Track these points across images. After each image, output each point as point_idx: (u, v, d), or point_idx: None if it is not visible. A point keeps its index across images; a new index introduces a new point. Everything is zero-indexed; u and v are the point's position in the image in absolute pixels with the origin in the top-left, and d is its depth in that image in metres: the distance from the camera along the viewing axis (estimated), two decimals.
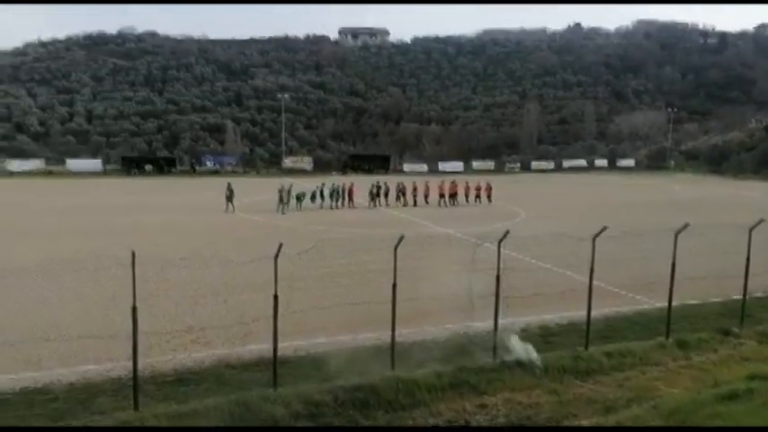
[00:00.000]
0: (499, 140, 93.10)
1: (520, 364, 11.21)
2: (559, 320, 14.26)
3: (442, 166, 78.13)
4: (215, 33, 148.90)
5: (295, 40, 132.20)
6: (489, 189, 41.45)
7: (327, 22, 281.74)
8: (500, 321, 11.68)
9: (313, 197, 37.20)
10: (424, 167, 77.58)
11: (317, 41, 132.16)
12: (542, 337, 13.06)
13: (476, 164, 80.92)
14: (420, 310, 13.30)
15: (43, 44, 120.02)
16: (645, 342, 12.87)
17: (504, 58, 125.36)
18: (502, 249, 11.71)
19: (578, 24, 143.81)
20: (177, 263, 15.90)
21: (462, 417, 9.57)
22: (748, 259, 14.18)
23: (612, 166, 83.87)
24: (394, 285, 10.94)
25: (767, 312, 15.58)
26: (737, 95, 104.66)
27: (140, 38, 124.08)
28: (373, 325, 12.47)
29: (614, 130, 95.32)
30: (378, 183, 40.15)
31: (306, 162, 79.47)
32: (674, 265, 13.08)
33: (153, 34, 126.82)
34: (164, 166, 74.03)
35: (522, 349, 11.41)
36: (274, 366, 10.01)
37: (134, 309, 9.06)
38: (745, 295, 14.57)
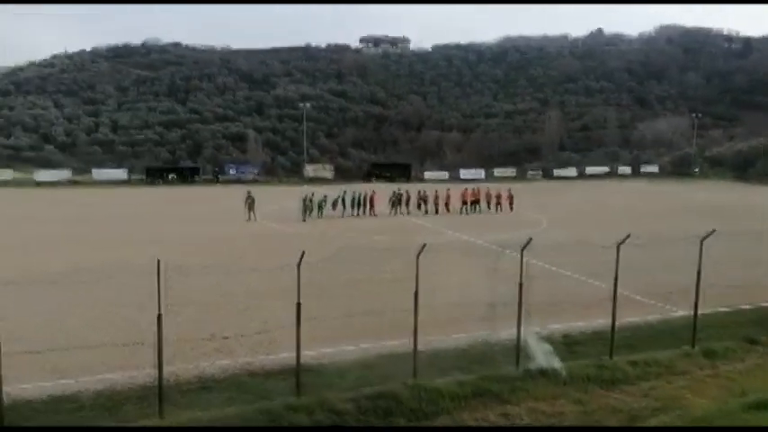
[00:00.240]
0: (520, 148, 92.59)
1: (543, 372, 11.10)
2: (583, 329, 14.10)
3: (463, 173, 77.88)
4: (237, 43, 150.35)
5: (316, 50, 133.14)
6: (511, 197, 41.23)
7: (348, 32, 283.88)
8: (523, 330, 11.58)
9: (334, 205, 37.36)
10: (445, 175, 77.40)
11: (338, 50, 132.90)
12: (566, 345, 12.91)
13: (497, 171, 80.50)
14: (442, 318, 13.26)
15: (69, 56, 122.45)
16: (670, 351, 12.67)
17: (525, 65, 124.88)
18: (524, 257, 11.63)
19: (600, 30, 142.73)
20: (201, 271, 16.08)
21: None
22: None
23: (636, 172, 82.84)
24: (416, 293, 10.92)
25: None
26: (763, 100, 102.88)
27: (164, 49, 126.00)
28: (395, 333, 12.44)
29: (638, 137, 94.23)
30: (399, 190, 40.21)
31: (327, 170, 79.75)
32: (699, 272, 12.88)
33: (176, 45, 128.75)
34: (187, 175, 74.85)
35: (545, 358, 11.30)
36: (297, 374, 10.03)
37: (159, 317, 9.16)
38: None
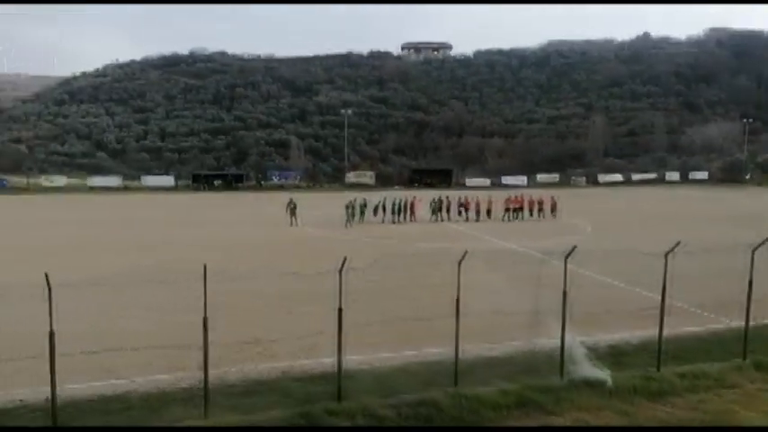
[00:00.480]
0: (564, 153, 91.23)
1: (588, 383, 10.89)
2: (629, 339, 13.78)
3: (505, 179, 77.24)
4: (281, 51, 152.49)
5: (358, 56, 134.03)
6: (554, 203, 40.65)
7: (390, 39, 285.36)
8: (567, 339, 11.39)
9: (375, 211, 37.51)
10: (487, 181, 76.90)
11: (379, 57, 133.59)
12: (612, 356, 12.64)
13: (540, 177, 79.57)
14: (484, 326, 13.16)
15: (121, 65, 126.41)
16: (720, 363, 12.27)
17: (568, 70, 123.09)
18: (568, 265, 11.45)
19: (647, 33, 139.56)
20: (245, 275, 16.38)
21: None
22: None
23: (685, 179, 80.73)
24: (457, 300, 10.88)
25: None
26: None
27: (210, 57, 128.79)
28: (436, 340, 12.41)
29: (686, 142, 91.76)
30: (440, 197, 40.10)
31: (368, 176, 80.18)
32: (750, 282, 12.46)
33: (222, 53, 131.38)
34: (231, 182, 76.32)
35: (590, 368, 11.09)
36: (338, 379, 10.10)
37: (205, 320, 9.36)
38: None
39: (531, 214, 40.16)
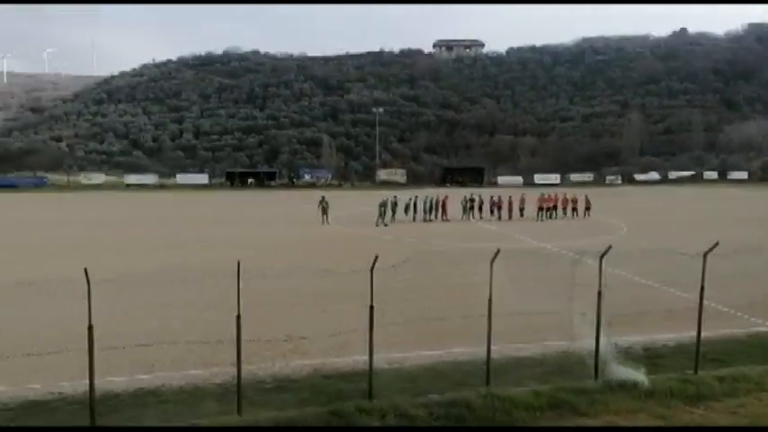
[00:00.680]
0: (598, 152, 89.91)
1: (623, 385, 10.68)
2: (666, 341, 13.49)
3: (537, 178, 76.44)
4: (313, 50, 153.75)
5: (390, 55, 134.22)
6: (587, 202, 40.06)
7: (422, 37, 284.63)
8: (602, 340, 11.20)
9: (406, 209, 37.46)
10: (519, 180, 76.20)
11: (411, 55, 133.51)
12: (648, 358, 12.38)
13: (573, 176, 78.57)
14: (516, 326, 13.03)
15: (157, 65, 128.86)
16: (761, 367, 11.91)
17: (603, 67, 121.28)
18: (603, 265, 11.25)
19: (684, 29, 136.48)
20: (277, 273, 16.53)
21: None
22: None
23: (723, 178, 78.79)
24: (489, 299, 10.78)
25: None
26: None
27: (244, 57, 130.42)
28: (468, 339, 12.33)
29: (725, 140, 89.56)
30: (471, 195, 39.85)
31: (399, 174, 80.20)
32: None
33: (255, 52, 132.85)
34: (264, 179, 77.13)
35: (625, 370, 10.88)
36: (370, 377, 10.10)
37: (238, 317, 9.46)
38: None
39: (565, 213, 39.68)
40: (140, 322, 14.42)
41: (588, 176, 79.19)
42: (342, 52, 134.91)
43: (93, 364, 8.88)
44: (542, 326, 13.39)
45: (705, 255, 11.39)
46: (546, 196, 39.97)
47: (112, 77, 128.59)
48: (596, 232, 31.20)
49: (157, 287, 16.38)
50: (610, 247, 11.36)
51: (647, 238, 28.60)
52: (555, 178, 76.80)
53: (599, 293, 11.13)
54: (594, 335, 11.14)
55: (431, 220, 37.28)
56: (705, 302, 11.69)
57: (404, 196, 38.90)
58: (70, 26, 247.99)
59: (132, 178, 75.83)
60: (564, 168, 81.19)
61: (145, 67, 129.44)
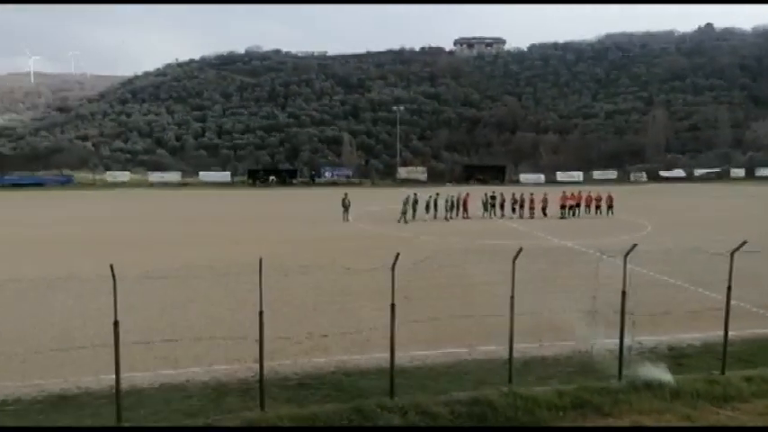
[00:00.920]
0: (622, 149, 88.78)
1: (648, 385, 10.54)
2: (691, 341, 13.28)
3: (560, 176, 75.75)
4: (334, 49, 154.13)
5: (410, 53, 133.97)
6: (611, 200, 39.59)
7: (443, 34, 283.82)
8: (626, 340, 11.06)
9: (427, 207, 37.37)
10: (541, 178, 75.61)
11: (432, 53, 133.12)
12: (673, 358, 12.21)
13: (597, 174, 77.69)
14: (539, 325, 12.92)
15: (180, 65, 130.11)
16: None
17: (627, 63, 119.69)
18: (627, 264, 11.11)
19: (710, 25, 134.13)
20: (299, 270, 16.61)
21: None
22: None
23: (750, 175, 77.31)
24: (512, 298, 10.71)
25: None
26: None
27: (265, 56, 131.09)
28: (489, 337, 12.28)
29: (752, 138, 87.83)
30: (492, 193, 39.62)
31: (420, 172, 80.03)
32: None
33: (277, 51, 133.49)
34: (285, 178, 77.56)
35: (651, 370, 10.73)
36: (391, 375, 10.10)
37: (261, 313, 9.51)
38: None
39: (588, 211, 39.28)
40: (164, 318, 14.60)
41: (612, 174, 78.25)
42: (362, 51, 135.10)
43: (119, 359, 9.00)
44: (566, 324, 13.26)
45: (732, 253, 11.19)
46: (568, 194, 39.55)
47: (136, 77, 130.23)
48: (620, 231, 30.83)
49: (181, 283, 16.56)
50: (635, 246, 11.22)
51: (673, 237, 28.19)
52: (578, 176, 76.01)
53: (623, 293, 11.00)
54: (618, 334, 11.01)
55: (452, 218, 37.14)
56: (732, 302, 11.49)
57: (424, 194, 38.80)
58: (94, 27, 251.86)
59: (156, 176, 76.77)
60: (587, 166, 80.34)
61: (168, 66, 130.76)
